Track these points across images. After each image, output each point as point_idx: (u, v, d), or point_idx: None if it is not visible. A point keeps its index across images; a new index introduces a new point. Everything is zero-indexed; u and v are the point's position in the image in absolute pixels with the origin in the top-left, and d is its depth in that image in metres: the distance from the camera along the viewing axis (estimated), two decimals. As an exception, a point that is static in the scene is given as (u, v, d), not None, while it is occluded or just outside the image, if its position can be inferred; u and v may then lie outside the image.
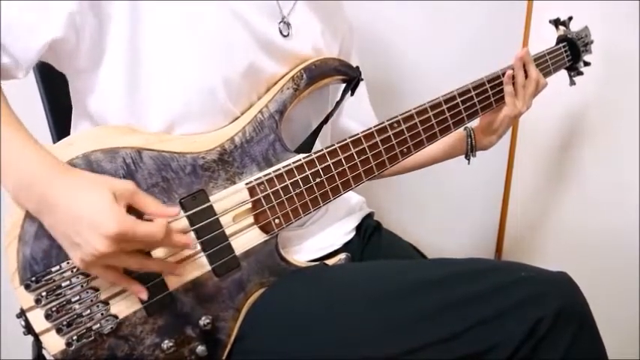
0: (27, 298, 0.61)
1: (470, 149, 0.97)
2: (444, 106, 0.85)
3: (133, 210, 0.61)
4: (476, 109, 0.89)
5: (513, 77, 0.91)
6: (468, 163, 0.98)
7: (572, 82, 1.06)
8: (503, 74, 0.91)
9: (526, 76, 0.92)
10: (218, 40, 0.71)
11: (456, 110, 0.86)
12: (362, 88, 0.96)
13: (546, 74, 0.97)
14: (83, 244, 0.56)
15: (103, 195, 0.57)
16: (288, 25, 0.78)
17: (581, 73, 1.08)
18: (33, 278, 0.61)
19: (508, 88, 0.91)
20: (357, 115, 0.98)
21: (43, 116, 0.92)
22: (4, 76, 0.63)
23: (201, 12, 0.69)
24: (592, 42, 1.07)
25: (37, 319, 0.61)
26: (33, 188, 0.58)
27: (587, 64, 1.08)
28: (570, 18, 1.05)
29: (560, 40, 1.04)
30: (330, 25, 0.85)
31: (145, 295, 0.63)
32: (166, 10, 0.67)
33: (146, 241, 0.59)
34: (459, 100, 0.86)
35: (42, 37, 0.62)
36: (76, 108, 0.77)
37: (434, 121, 0.84)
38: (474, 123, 0.94)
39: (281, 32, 0.77)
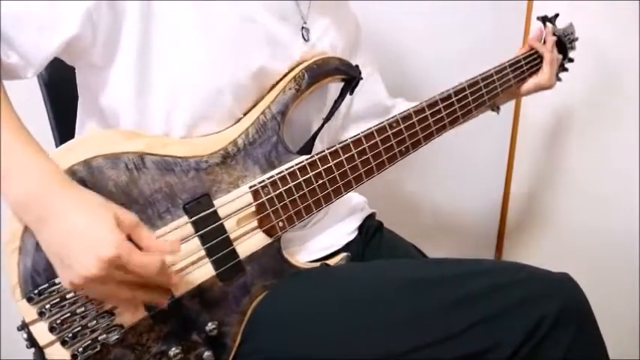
0: (29, 311, 0.59)
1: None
2: (440, 105, 0.86)
3: (130, 241, 0.58)
4: (470, 107, 0.90)
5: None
6: None
7: (558, 79, 1.08)
8: (496, 72, 0.93)
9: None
10: (229, 42, 0.69)
11: (451, 109, 0.87)
12: (374, 84, 0.96)
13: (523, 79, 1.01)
14: (74, 263, 0.54)
15: (105, 217, 0.55)
16: (308, 30, 0.77)
17: (566, 70, 1.10)
18: (36, 291, 0.58)
19: (549, 56, 0.99)
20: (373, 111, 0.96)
21: (45, 115, 0.89)
22: (8, 76, 0.60)
23: (214, 12, 0.68)
24: (577, 39, 1.09)
25: (41, 332, 0.59)
26: (33, 201, 0.55)
27: (571, 60, 1.10)
28: (557, 15, 1.07)
29: (548, 36, 1.05)
30: (336, 22, 0.84)
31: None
32: (179, 9, 0.66)
33: (138, 272, 0.56)
34: (454, 99, 0.88)
35: (59, 35, 0.60)
36: (83, 104, 0.74)
37: (430, 120, 0.85)
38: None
39: (303, 37, 0.77)
